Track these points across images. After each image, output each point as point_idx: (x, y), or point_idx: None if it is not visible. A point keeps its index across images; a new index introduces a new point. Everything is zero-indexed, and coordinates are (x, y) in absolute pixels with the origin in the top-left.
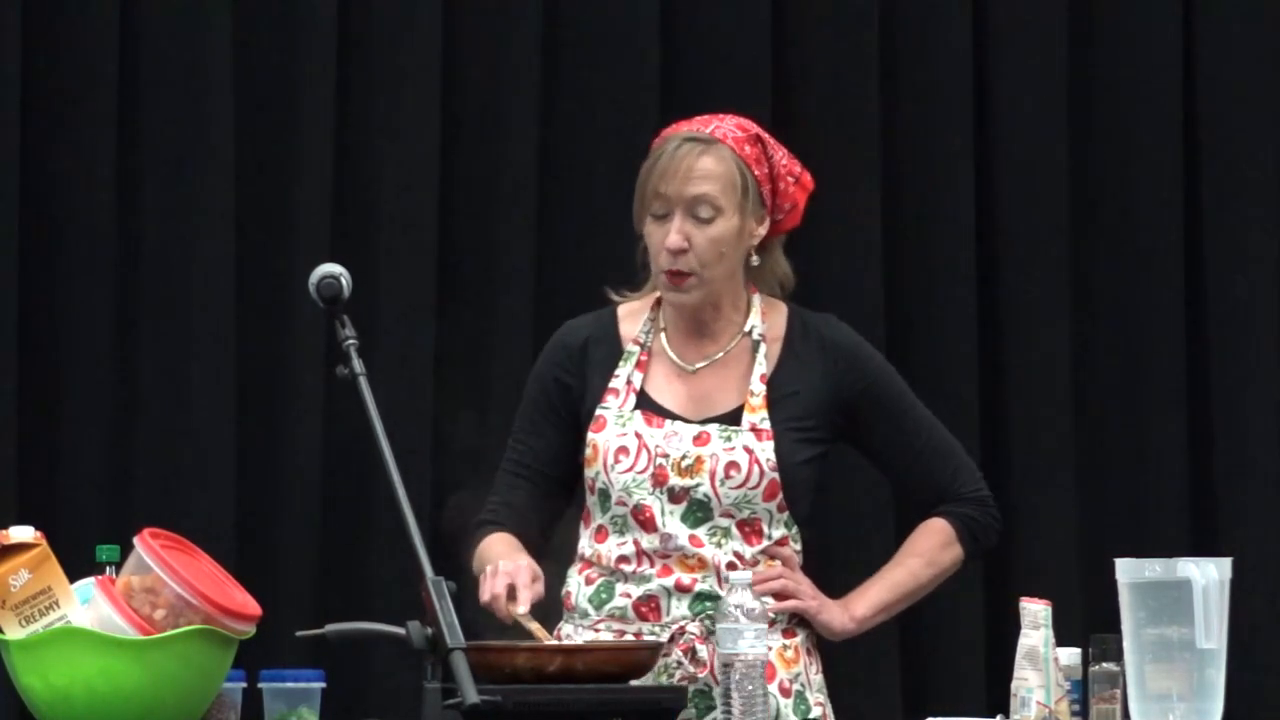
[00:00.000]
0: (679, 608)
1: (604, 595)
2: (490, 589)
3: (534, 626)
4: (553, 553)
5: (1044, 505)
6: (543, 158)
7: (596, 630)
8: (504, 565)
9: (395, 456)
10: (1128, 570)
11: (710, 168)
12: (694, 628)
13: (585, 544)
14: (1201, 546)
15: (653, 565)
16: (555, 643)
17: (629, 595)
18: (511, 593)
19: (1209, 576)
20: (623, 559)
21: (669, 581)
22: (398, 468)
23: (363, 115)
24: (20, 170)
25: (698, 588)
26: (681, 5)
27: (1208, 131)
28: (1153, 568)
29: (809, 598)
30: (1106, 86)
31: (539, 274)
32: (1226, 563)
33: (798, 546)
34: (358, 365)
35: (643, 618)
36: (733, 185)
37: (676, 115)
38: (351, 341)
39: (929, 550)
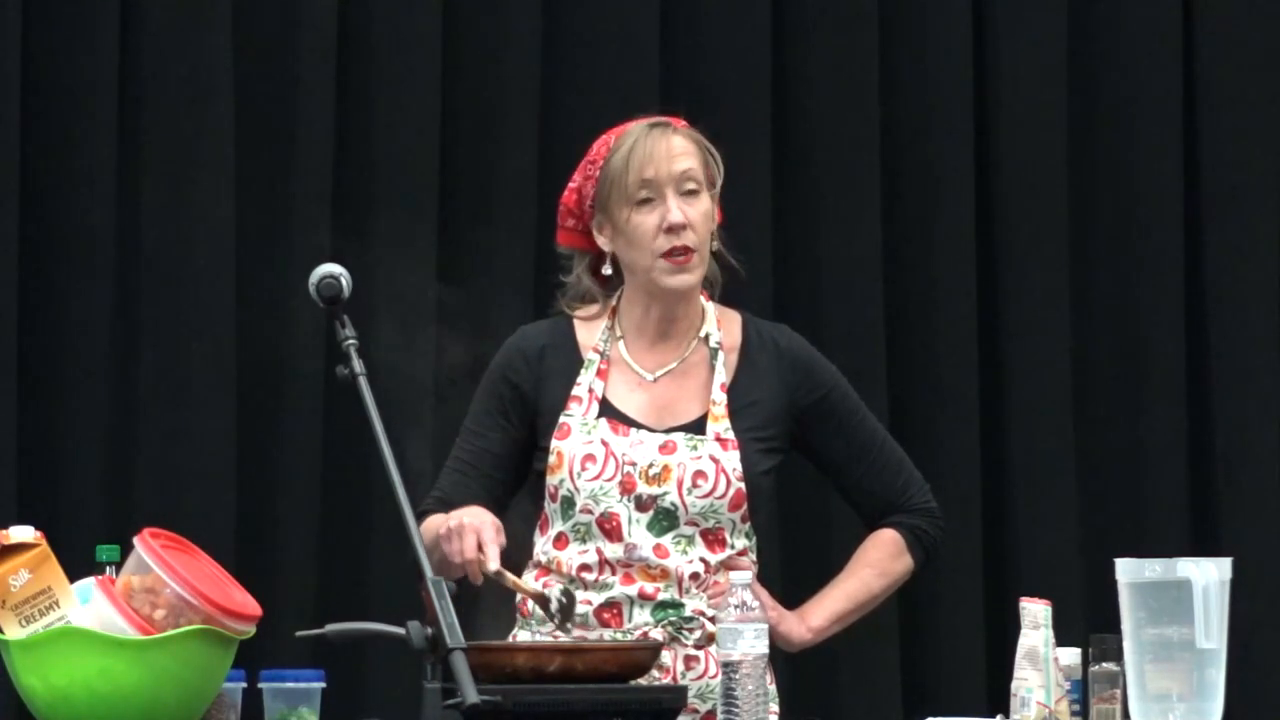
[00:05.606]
0: (641, 615)
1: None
2: (459, 551)
3: (511, 580)
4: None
5: (1044, 505)
6: (543, 158)
7: (556, 637)
8: (467, 521)
9: (395, 456)
10: (1128, 570)
11: (685, 145)
12: (656, 634)
13: (541, 550)
14: (1201, 546)
15: (614, 574)
16: (553, 640)
17: (590, 603)
18: (479, 550)
19: (1209, 576)
20: (584, 567)
21: (632, 590)
22: (398, 468)
23: (363, 115)
24: (20, 171)
25: (660, 596)
26: (681, 5)
27: (1208, 132)
28: (1153, 568)
29: (768, 609)
30: (1106, 87)
31: (539, 274)
32: (1226, 563)
33: (754, 557)
34: (358, 365)
35: (605, 624)
36: (705, 163)
37: (671, 114)
38: (351, 341)
39: (880, 561)
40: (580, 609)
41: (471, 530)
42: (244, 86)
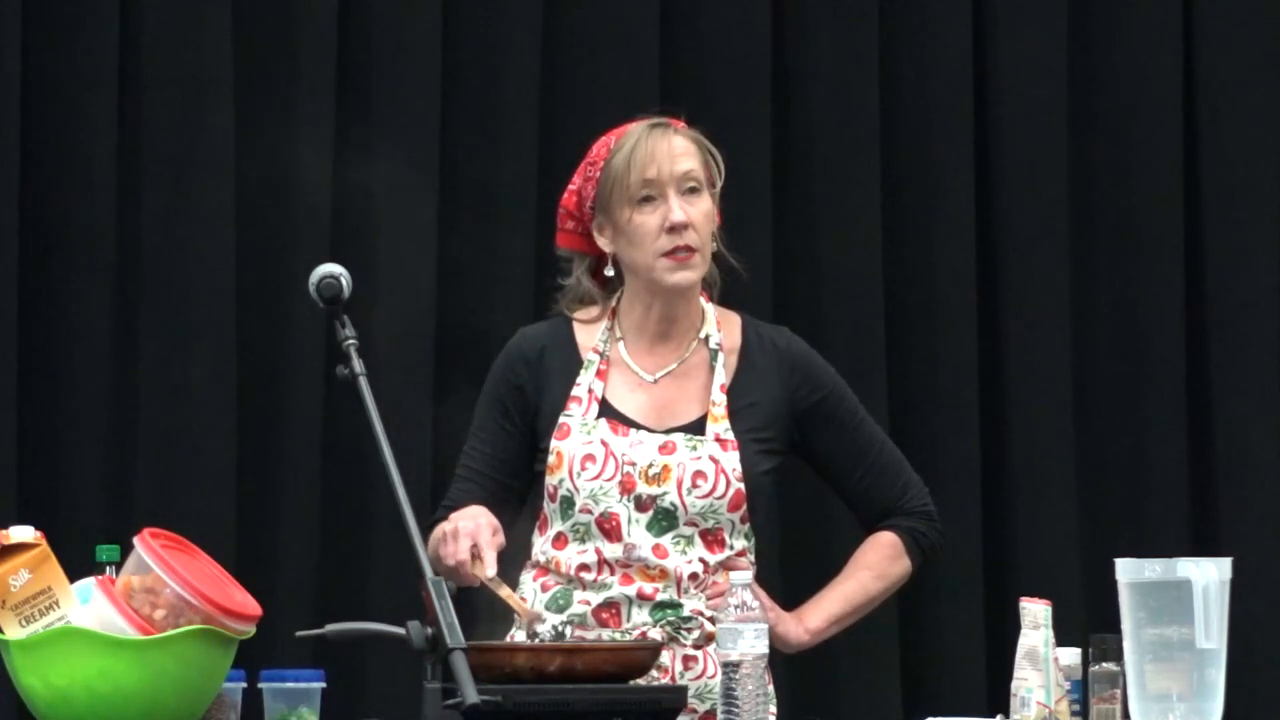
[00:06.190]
0: (640, 614)
1: (561, 601)
2: (454, 554)
3: (505, 593)
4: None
5: (1044, 505)
6: (543, 158)
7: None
8: (463, 525)
9: (395, 456)
10: (1128, 570)
11: (686, 145)
12: (655, 634)
13: (540, 550)
14: (1201, 546)
15: (613, 574)
16: (546, 633)
17: (588, 602)
18: (476, 553)
19: (1209, 576)
20: (583, 567)
21: (630, 590)
22: (398, 468)
23: (362, 115)
24: (20, 171)
25: (659, 597)
26: (681, 5)
27: (1208, 131)
28: (1153, 568)
29: (766, 610)
30: (1106, 85)
31: (539, 273)
32: (1226, 563)
33: (752, 558)
34: (358, 365)
35: (603, 624)
36: (705, 162)
37: (671, 115)
38: (351, 341)
39: (878, 563)
40: (578, 609)
41: (466, 534)
42: (244, 86)
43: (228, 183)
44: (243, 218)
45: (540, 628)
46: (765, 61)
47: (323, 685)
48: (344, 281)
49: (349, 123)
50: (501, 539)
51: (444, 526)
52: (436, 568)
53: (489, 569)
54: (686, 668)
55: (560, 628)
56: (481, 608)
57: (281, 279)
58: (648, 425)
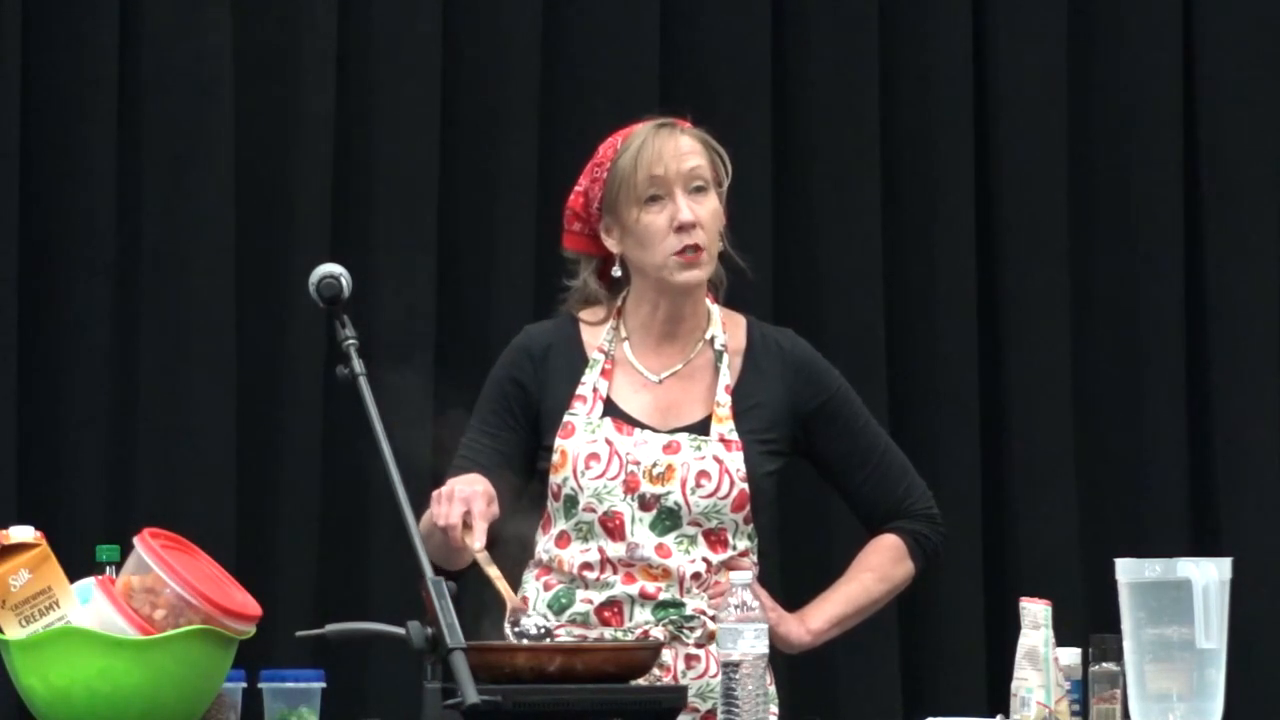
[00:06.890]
0: (642, 613)
1: (564, 600)
2: (446, 516)
3: (493, 572)
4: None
5: (1044, 505)
6: (543, 158)
7: (556, 636)
8: (459, 489)
9: (395, 456)
10: (1128, 570)
11: (693, 144)
12: (658, 633)
13: (543, 549)
14: (1201, 546)
15: (616, 573)
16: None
17: (590, 601)
18: (468, 521)
19: (1209, 576)
20: (586, 566)
21: (633, 589)
22: (398, 468)
23: (363, 115)
24: (20, 171)
25: (661, 596)
26: (681, 5)
27: (1208, 131)
28: (1153, 568)
29: (767, 610)
30: (1106, 86)
31: (539, 273)
32: (1226, 563)
33: (755, 559)
34: (358, 365)
35: (605, 622)
36: (712, 161)
37: (676, 115)
38: (351, 341)
39: (881, 565)
40: (581, 608)
41: (461, 499)
42: (244, 87)
43: (228, 183)
44: (243, 218)
45: (525, 621)
46: (765, 61)
47: (323, 685)
48: (344, 281)
49: (349, 123)
50: (496, 510)
51: (440, 489)
52: (434, 546)
53: (478, 540)
54: (689, 667)
55: (541, 629)
56: (482, 608)
57: (281, 279)
58: (652, 425)
